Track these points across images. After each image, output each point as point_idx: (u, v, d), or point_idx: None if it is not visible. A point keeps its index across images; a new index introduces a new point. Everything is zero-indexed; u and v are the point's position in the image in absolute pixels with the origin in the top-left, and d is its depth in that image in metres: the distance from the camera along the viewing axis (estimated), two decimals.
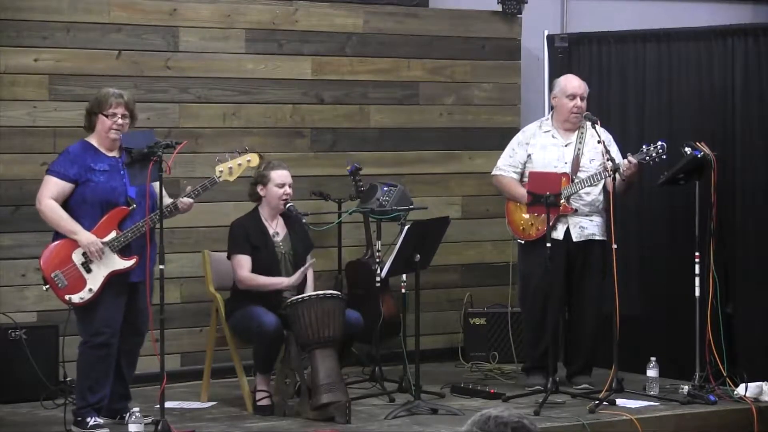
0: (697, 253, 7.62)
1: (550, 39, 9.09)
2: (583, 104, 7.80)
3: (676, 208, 8.31)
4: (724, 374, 7.59)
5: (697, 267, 7.62)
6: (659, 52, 8.66)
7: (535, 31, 9.18)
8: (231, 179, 7.00)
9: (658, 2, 9.64)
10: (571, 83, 7.87)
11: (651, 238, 8.62)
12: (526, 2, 9.17)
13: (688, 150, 7.58)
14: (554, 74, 8.73)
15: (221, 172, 6.94)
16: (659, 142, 7.54)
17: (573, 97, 7.79)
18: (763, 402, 7.41)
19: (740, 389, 7.48)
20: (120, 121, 6.71)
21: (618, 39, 8.86)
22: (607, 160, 7.45)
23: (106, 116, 6.71)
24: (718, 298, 7.66)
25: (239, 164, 6.99)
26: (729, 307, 8.09)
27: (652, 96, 8.67)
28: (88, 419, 6.68)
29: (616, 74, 8.83)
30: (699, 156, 7.54)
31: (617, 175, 7.42)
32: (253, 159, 7.07)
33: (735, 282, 8.21)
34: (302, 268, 7.27)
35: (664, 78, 8.62)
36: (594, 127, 7.56)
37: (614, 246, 7.34)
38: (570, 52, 8.99)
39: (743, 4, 9.81)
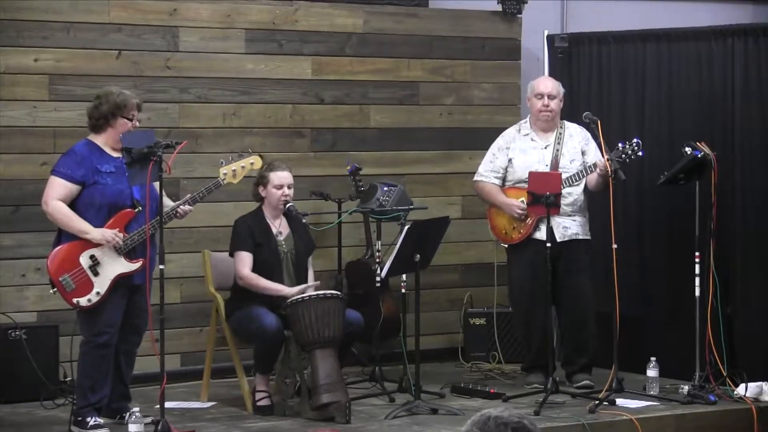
0: (697, 253, 7.62)
1: (550, 39, 9.09)
2: (553, 104, 7.85)
3: (676, 208, 8.30)
4: (724, 374, 7.59)
5: (697, 267, 7.63)
6: (659, 52, 8.66)
7: (535, 31, 9.18)
8: (235, 182, 7.02)
9: (658, 2, 9.63)
10: (541, 83, 7.99)
11: (651, 238, 8.62)
12: (526, 2, 9.17)
13: (688, 150, 7.58)
14: (554, 74, 8.74)
15: (225, 174, 6.95)
16: (634, 139, 7.59)
17: (540, 96, 7.87)
18: (763, 402, 7.41)
19: (740, 389, 7.48)
20: (137, 123, 6.75)
21: (618, 39, 8.86)
22: (608, 159, 7.46)
23: (129, 119, 6.72)
24: (718, 298, 7.66)
25: (242, 167, 7.01)
26: (728, 308, 8.09)
27: (652, 96, 8.67)
28: (89, 419, 6.68)
29: (616, 74, 8.83)
30: (699, 156, 7.55)
31: (594, 170, 7.57)
32: (257, 162, 7.09)
33: (735, 282, 8.21)
34: (307, 286, 7.24)
35: (664, 78, 8.62)
36: (596, 129, 7.56)
37: (614, 246, 7.35)
38: (570, 52, 8.99)
39: (743, 4, 9.81)
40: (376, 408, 7.31)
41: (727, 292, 8.09)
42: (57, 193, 6.65)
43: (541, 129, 7.92)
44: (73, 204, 6.67)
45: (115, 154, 6.76)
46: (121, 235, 6.62)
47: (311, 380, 7.01)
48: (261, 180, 7.43)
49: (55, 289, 6.64)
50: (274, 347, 7.18)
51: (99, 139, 6.78)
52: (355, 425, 6.86)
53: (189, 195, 6.90)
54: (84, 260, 6.63)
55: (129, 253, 6.68)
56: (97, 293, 6.63)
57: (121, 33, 8.10)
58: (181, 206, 6.80)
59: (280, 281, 7.34)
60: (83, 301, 6.63)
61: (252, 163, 7.05)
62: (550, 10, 9.47)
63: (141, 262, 6.68)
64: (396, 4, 8.95)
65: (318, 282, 7.46)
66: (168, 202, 6.87)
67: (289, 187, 7.43)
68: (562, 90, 7.96)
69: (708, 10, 9.57)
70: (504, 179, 7.93)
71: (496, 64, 9.22)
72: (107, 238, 6.59)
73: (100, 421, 6.73)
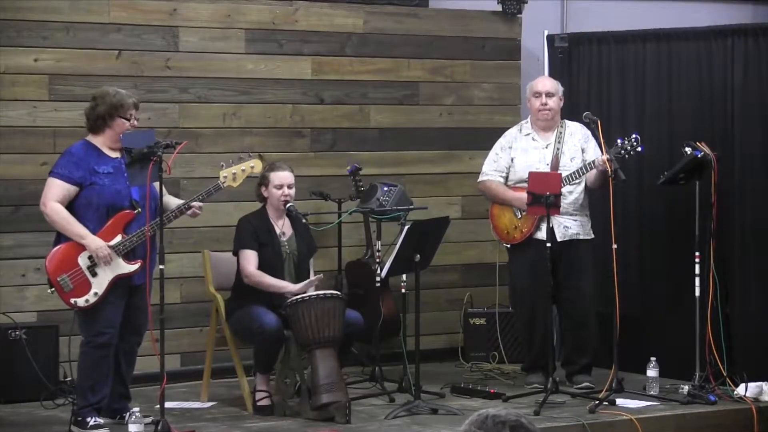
0: (697, 253, 7.62)
1: (550, 39, 9.09)
2: (551, 102, 7.85)
3: (676, 208, 8.31)
4: (724, 374, 7.59)
5: (697, 267, 7.63)
6: (659, 52, 8.66)
7: (535, 31, 9.17)
8: (235, 185, 7.00)
9: (658, 2, 9.63)
10: (539, 82, 8.00)
11: (651, 238, 8.62)
12: (526, 2, 9.17)
13: (688, 150, 7.58)
14: (554, 74, 8.74)
15: (225, 177, 6.94)
16: (633, 135, 7.58)
17: (538, 95, 7.87)
18: (763, 402, 7.41)
19: (740, 389, 7.48)
20: (135, 122, 6.75)
21: (618, 39, 8.86)
22: (608, 159, 7.45)
23: (126, 118, 6.71)
24: (718, 298, 7.66)
25: (243, 170, 6.99)
26: (727, 308, 8.09)
27: (652, 96, 8.67)
28: (89, 419, 6.68)
29: (616, 74, 8.83)
30: (699, 156, 7.55)
31: (593, 167, 7.57)
32: (257, 165, 7.07)
33: (735, 282, 8.21)
34: (310, 281, 7.25)
35: (664, 78, 8.62)
36: (596, 129, 7.56)
37: (614, 246, 7.35)
38: (570, 52, 8.99)
39: (743, 4, 9.81)
40: (376, 408, 7.31)
41: (727, 292, 8.09)
42: (55, 194, 6.64)
43: (541, 128, 7.93)
44: (71, 205, 6.66)
45: (114, 155, 6.75)
46: (112, 254, 6.62)
47: (311, 380, 7.01)
48: (262, 180, 7.44)
49: (53, 289, 6.64)
50: (274, 347, 7.18)
51: (97, 140, 6.77)
52: (355, 425, 6.86)
53: (191, 199, 6.88)
54: (82, 261, 6.63)
55: (128, 254, 6.67)
56: (95, 294, 6.62)
57: (121, 33, 8.10)
58: (193, 204, 6.77)
59: None
60: (81, 302, 6.63)
61: (252, 167, 7.04)
62: (550, 10, 9.47)
63: (139, 264, 6.67)
64: (396, 4, 8.95)
65: (321, 275, 7.44)
66: (173, 201, 6.87)
67: (289, 187, 7.43)
68: (560, 88, 7.95)
69: (708, 10, 9.57)
70: (506, 179, 7.93)
71: (496, 64, 9.22)
72: (99, 255, 6.59)
73: (100, 421, 6.74)
